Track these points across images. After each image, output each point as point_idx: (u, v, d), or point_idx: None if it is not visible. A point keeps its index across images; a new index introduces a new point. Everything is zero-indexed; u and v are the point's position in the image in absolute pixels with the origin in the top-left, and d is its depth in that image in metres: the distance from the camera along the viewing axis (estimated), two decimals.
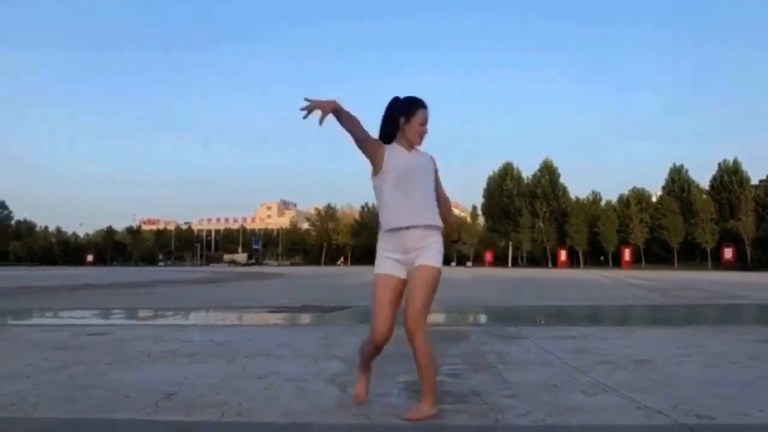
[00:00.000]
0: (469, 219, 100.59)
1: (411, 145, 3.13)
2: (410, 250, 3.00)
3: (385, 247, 3.07)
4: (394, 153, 3.07)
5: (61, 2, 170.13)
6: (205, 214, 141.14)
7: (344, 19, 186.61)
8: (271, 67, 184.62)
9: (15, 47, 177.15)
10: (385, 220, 3.06)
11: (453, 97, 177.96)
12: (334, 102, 2.97)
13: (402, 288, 3.04)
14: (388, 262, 3.04)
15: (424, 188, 3.07)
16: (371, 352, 3.16)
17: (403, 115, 3.09)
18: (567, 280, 26.42)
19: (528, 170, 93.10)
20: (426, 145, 3.19)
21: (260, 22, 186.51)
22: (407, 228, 2.99)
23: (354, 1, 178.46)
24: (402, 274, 3.03)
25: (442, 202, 3.21)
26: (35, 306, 11.93)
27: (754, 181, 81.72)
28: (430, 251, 2.99)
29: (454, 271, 50.31)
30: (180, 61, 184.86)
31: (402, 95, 3.15)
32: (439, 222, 3.07)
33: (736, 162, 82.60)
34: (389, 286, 3.02)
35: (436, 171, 3.19)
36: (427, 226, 3.01)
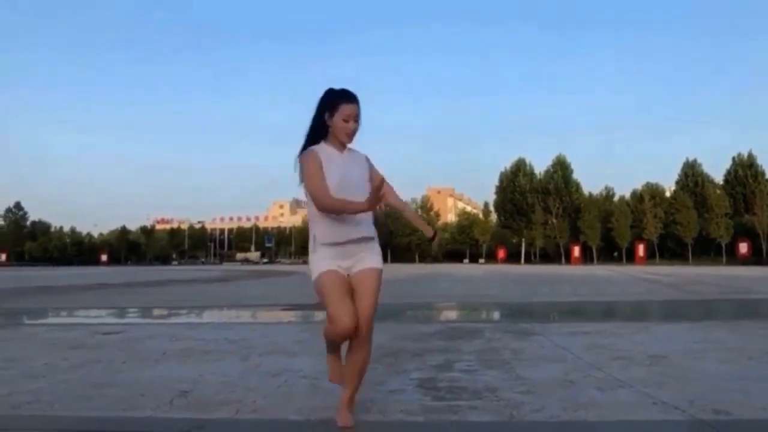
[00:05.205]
0: (481, 215, 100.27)
1: (343, 145, 2.82)
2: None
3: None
4: (328, 157, 2.75)
5: (65, 3, 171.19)
6: (218, 213, 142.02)
7: (357, 25, 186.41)
8: (280, 66, 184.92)
9: (25, 49, 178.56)
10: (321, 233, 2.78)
11: (460, 94, 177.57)
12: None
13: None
14: (333, 263, 2.77)
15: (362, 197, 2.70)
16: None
17: (328, 111, 2.77)
18: (580, 276, 26.28)
19: (540, 166, 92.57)
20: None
21: (271, 21, 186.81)
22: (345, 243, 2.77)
23: (356, 3, 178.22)
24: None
25: (388, 191, 2.99)
26: (51, 305, 12.04)
27: None
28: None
29: (467, 268, 50.25)
30: (190, 60, 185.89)
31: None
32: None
33: (750, 155, 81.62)
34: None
35: (371, 169, 2.93)
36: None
